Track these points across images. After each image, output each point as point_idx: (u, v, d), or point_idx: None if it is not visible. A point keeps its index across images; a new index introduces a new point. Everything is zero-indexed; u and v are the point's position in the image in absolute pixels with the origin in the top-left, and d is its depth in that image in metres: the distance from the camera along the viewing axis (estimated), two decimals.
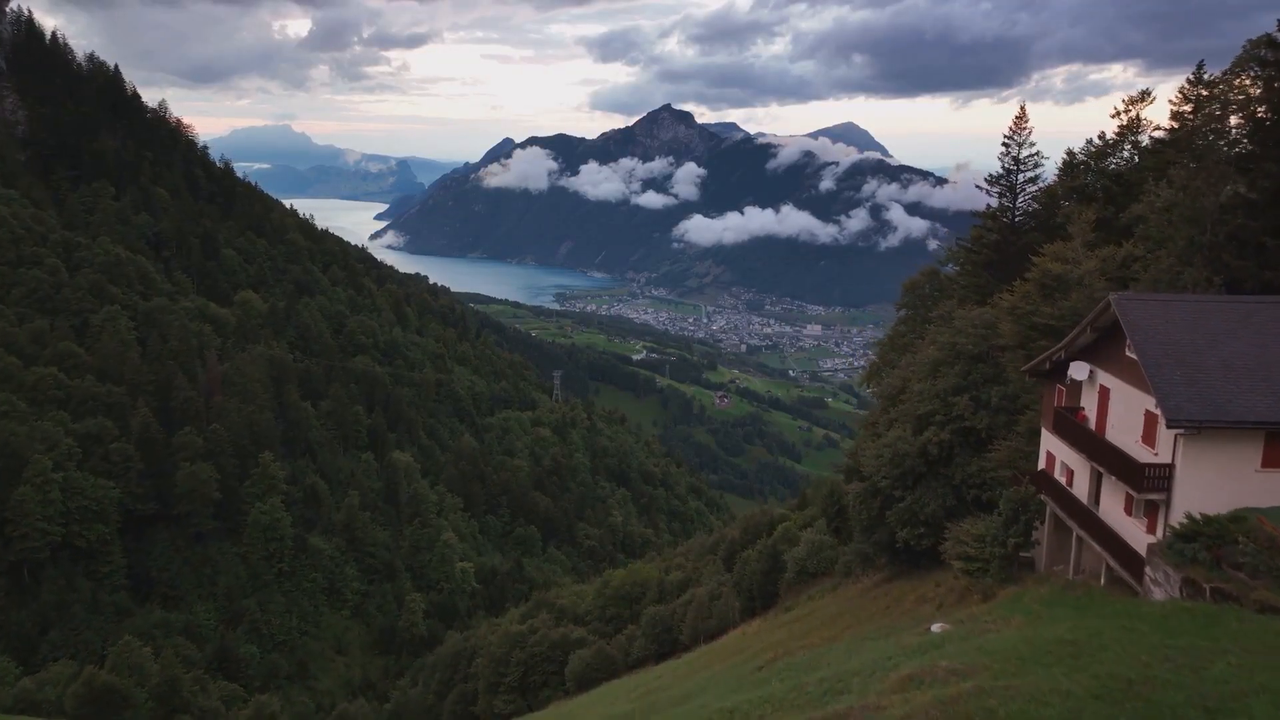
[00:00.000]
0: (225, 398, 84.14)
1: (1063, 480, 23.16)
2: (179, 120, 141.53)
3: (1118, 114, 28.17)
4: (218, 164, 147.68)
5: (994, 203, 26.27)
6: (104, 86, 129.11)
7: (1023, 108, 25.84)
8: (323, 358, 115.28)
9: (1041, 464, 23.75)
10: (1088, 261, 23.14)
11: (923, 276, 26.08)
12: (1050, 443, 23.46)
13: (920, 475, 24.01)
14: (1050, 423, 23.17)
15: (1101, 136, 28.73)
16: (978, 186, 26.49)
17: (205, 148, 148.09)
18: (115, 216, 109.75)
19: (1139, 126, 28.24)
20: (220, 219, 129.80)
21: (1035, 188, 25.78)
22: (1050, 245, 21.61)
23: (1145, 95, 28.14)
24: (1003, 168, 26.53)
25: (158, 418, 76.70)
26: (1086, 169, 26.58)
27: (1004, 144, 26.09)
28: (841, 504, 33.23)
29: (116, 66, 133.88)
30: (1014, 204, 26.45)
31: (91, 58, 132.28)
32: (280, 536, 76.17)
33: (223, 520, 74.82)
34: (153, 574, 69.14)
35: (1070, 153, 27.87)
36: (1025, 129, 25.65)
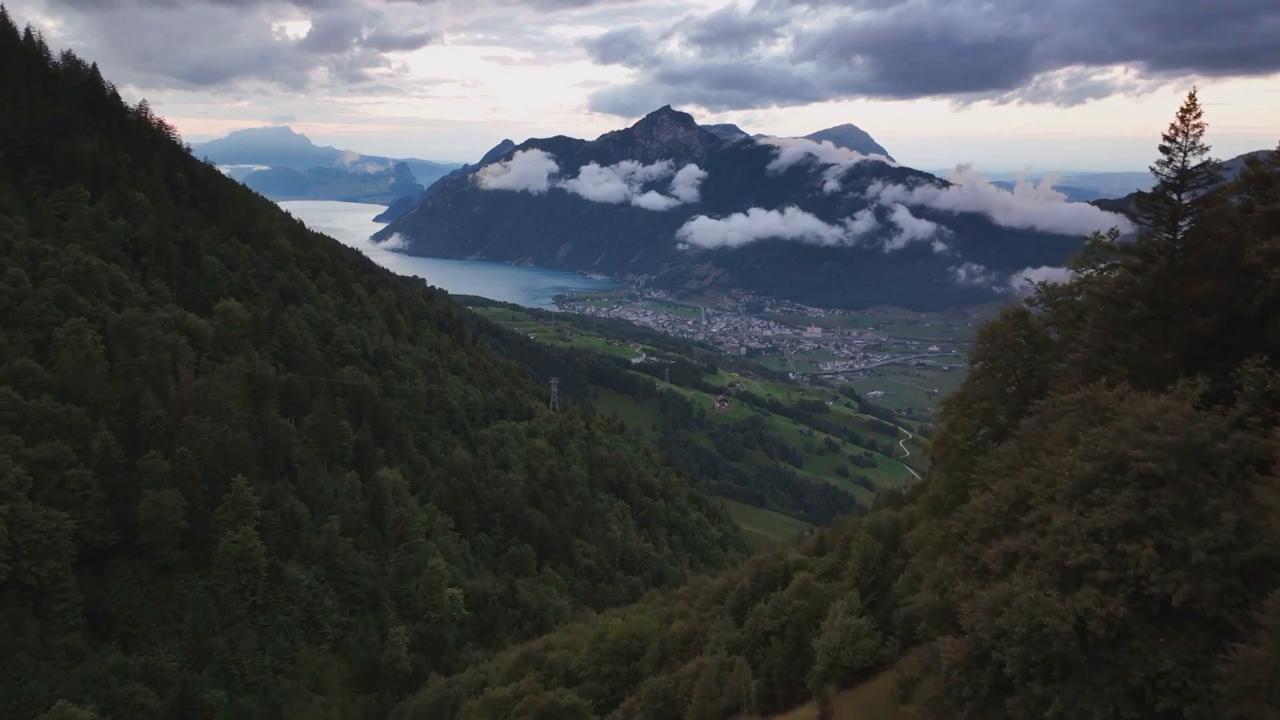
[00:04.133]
0: (198, 416, 78.85)
1: None
2: (161, 121, 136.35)
3: None
4: (203, 166, 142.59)
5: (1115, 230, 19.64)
6: (81, 86, 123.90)
7: (1192, 96, 17.32)
8: (308, 369, 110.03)
9: None
10: None
11: (1007, 321, 18.28)
12: None
13: (1073, 664, 15.07)
14: None
15: None
16: (1123, 211, 19.47)
17: (189, 149, 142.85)
18: (90, 222, 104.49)
19: None
20: (203, 224, 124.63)
21: (1202, 210, 18.50)
22: None
23: None
24: (1160, 182, 18.09)
25: (123, 440, 71.38)
26: None
27: (1163, 148, 17.55)
28: (879, 576, 28.07)
29: (94, 65, 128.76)
30: (1175, 234, 17.98)
31: (68, 56, 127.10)
32: (254, 567, 70.79)
33: (191, 550, 69.52)
34: (112, 611, 63.82)
35: (1254, 161, 19.76)
36: (1195, 126, 17.39)
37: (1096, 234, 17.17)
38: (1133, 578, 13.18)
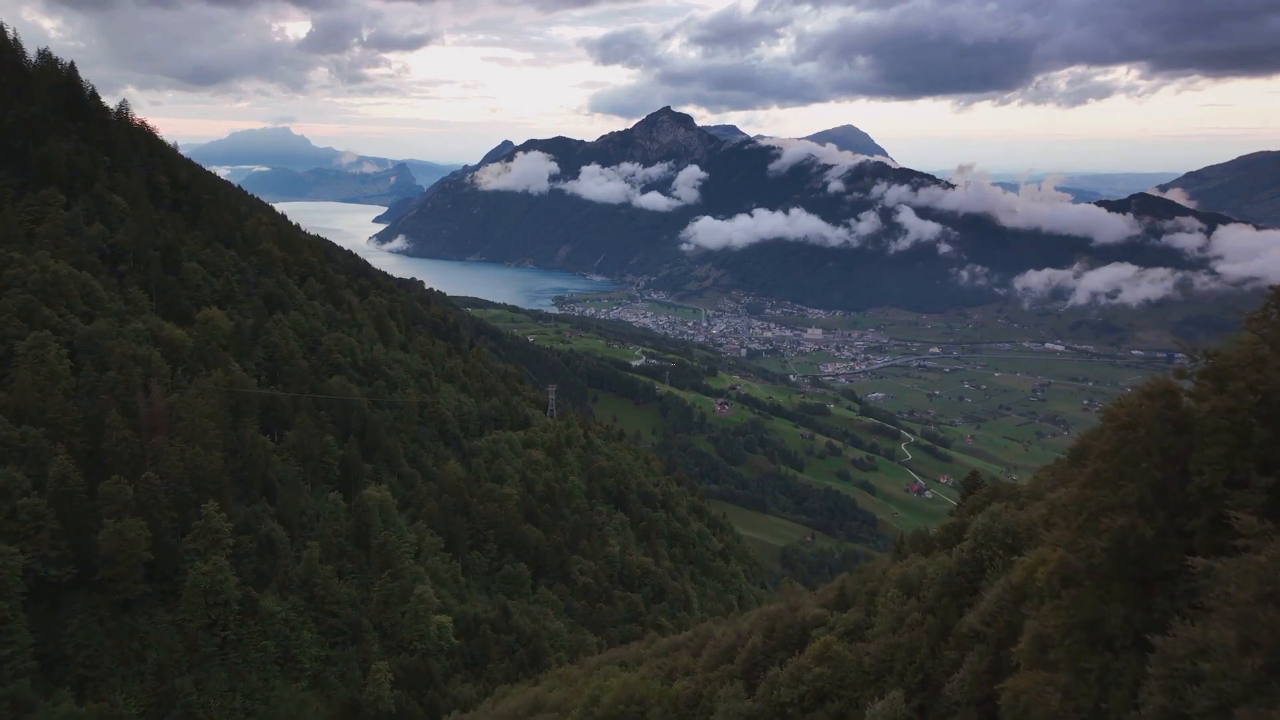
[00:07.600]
0: (168, 437, 73.88)
1: None
2: (143, 122, 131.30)
3: None
4: (189, 167, 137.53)
5: None
6: (57, 86, 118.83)
7: None
8: (293, 381, 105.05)
9: None
10: None
11: (1149, 401, 11.24)
12: None
13: None
14: None
15: None
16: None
17: (175, 145, 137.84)
18: (65, 227, 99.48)
19: None
20: (185, 229, 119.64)
21: None
22: None
23: None
24: None
25: (85, 464, 66.39)
26: None
27: None
28: (928, 674, 23.25)
29: (72, 64, 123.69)
30: None
31: (44, 54, 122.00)
32: (225, 600, 65.80)
33: (156, 584, 64.62)
34: (68, 652, 58.91)
35: None
36: None
37: None
38: None
